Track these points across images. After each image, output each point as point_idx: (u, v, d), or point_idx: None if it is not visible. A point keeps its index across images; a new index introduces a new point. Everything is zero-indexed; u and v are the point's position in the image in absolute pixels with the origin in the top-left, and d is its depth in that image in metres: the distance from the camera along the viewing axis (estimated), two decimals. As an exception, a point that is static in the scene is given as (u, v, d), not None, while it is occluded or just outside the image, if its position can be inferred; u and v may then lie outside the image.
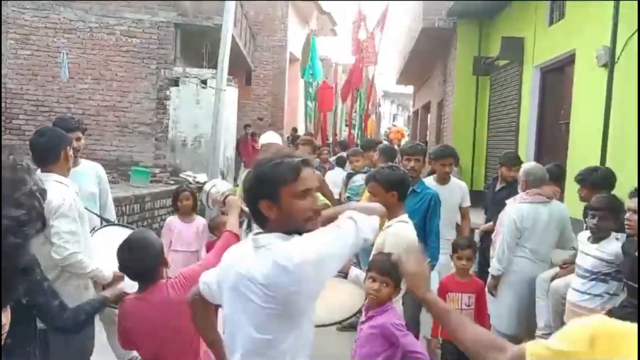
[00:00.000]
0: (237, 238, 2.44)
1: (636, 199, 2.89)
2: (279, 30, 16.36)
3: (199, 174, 10.04)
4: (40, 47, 10.06)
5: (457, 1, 9.18)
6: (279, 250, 1.52)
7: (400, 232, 2.66)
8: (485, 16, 9.70)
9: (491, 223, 4.65)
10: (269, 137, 4.22)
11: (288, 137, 13.88)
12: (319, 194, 3.92)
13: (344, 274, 2.57)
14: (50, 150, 2.75)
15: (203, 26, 10.40)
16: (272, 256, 1.50)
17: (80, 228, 2.73)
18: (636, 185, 3.03)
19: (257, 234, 1.64)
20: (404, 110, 39.32)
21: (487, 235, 4.77)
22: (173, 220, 4.38)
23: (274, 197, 1.56)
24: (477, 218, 7.87)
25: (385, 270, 2.37)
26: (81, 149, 3.48)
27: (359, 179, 5.46)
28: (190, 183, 9.71)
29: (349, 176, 5.84)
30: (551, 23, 7.19)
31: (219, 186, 2.74)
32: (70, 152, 2.89)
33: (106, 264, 2.81)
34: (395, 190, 2.74)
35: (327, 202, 4.21)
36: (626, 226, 3.03)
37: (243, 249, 1.66)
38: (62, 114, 5.89)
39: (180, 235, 4.23)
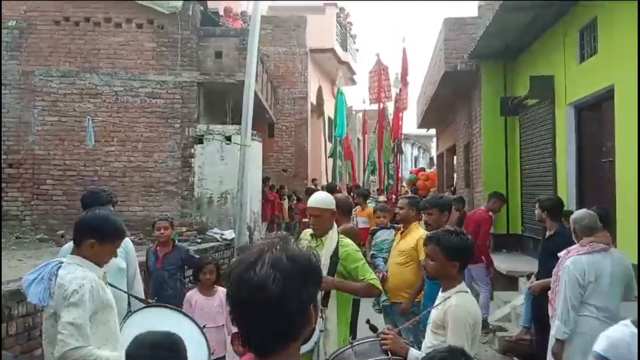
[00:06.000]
0: None
1: None
2: (299, 82, 16.54)
3: (226, 230, 9.84)
4: (67, 113, 10.20)
5: (479, 43, 9.05)
6: None
7: (463, 305, 2.35)
8: (509, 56, 9.55)
9: (548, 279, 4.19)
10: (321, 200, 3.42)
11: (307, 189, 13.88)
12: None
13: (402, 357, 2.25)
14: (76, 234, 2.57)
15: (225, 83, 10.48)
16: None
17: (86, 318, 2.35)
18: None
19: None
20: (425, 153, 39.04)
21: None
22: (193, 294, 4.21)
23: None
24: (527, 265, 7.45)
25: None
26: None
27: (384, 235, 5.19)
28: (218, 240, 9.52)
29: (373, 232, 5.58)
30: (582, 59, 6.97)
31: None
32: (107, 249, 2.56)
33: None
34: (458, 260, 2.45)
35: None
36: None
37: None
38: (92, 187, 5.64)
39: (202, 310, 4.01)
